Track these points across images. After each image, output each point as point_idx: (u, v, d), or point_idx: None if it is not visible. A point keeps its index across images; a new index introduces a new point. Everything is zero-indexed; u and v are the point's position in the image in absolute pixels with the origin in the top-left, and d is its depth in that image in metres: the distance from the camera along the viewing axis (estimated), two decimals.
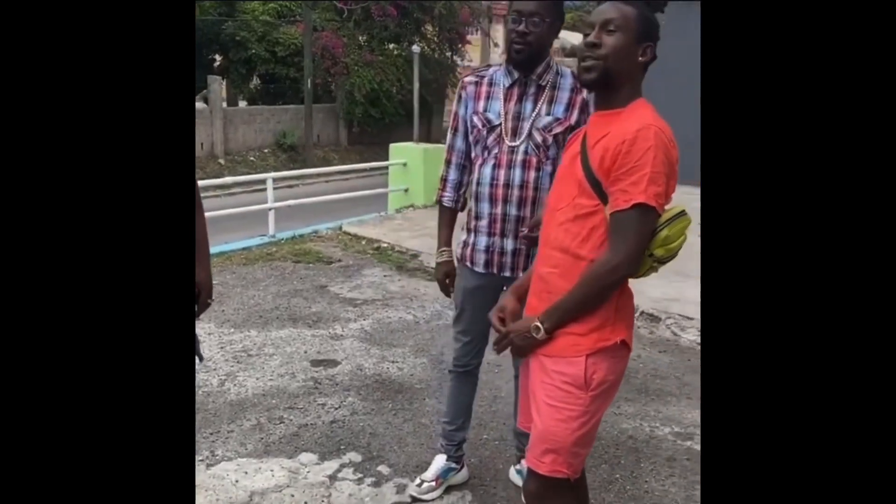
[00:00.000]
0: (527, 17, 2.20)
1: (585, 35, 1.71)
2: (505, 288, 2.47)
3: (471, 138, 2.43)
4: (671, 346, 4.36)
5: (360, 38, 17.67)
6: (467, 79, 2.46)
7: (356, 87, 16.75)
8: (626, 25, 1.66)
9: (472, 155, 2.45)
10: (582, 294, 1.69)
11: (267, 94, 18.54)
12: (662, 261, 1.71)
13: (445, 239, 2.58)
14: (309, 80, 15.94)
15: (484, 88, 2.39)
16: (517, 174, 2.32)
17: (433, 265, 6.40)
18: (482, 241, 2.42)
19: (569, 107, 2.30)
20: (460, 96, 2.45)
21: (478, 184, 2.40)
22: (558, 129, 2.29)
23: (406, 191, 8.39)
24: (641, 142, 1.59)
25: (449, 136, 2.54)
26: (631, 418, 3.35)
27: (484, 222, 2.40)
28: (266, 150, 16.82)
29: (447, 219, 2.59)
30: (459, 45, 18.68)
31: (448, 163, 2.55)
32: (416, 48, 9.50)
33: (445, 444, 2.75)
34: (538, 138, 2.30)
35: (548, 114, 2.30)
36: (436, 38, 18.42)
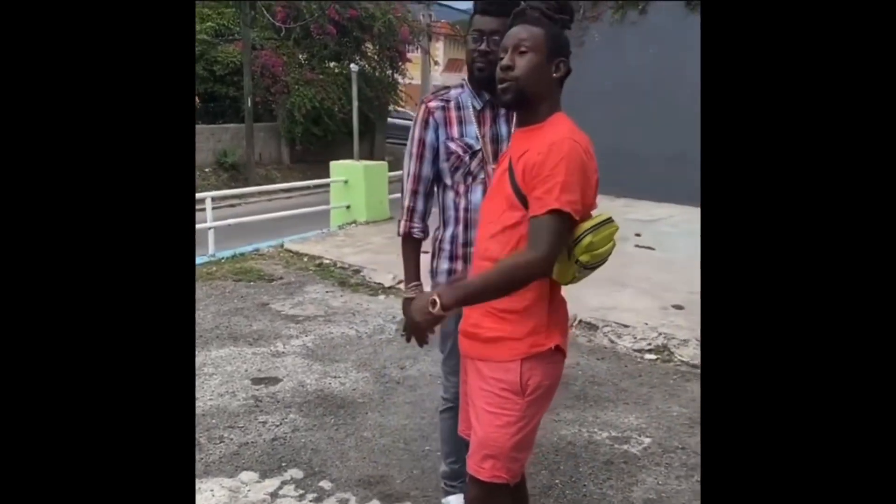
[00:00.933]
0: (488, 36, 2.12)
1: (500, 59, 1.78)
2: None
3: (446, 165, 2.28)
4: (608, 353, 4.47)
5: (301, 56, 17.58)
6: (432, 104, 2.29)
7: (297, 106, 16.65)
8: (536, 45, 1.74)
9: (448, 182, 2.30)
10: (490, 280, 1.69)
11: (206, 113, 18.25)
12: (588, 266, 1.76)
13: (416, 273, 2.38)
14: (249, 99, 15.76)
15: (454, 113, 2.27)
16: None
17: (376, 280, 6.29)
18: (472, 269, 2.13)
19: None
20: (427, 122, 2.28)
21: (465, 210, 2.27)
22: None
23: (348, 207, 8.39)
24: (555, 154, 1.67)
25: (412, 164, 2.32)
26: (570, 424, 3.42)
27: (473, 248, 2.16)
28: (207, 170, 16.53)
29: (415, 252, 2.39)
30: (400, 63, 18.76)
31: (414, 193, 2.34)
32: (354, 66, 9.50)
33: (458, 484, 2.51)
34: None
35: None
36: (376, 56, 18.46)
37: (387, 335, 4.65)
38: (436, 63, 22.35)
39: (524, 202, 1.73)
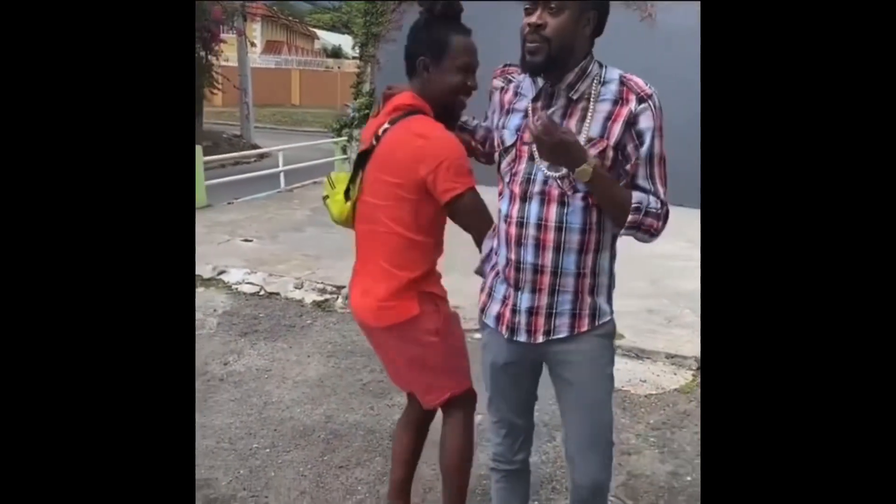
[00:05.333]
0: (543, 3, 1.63)
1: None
2: (546, 362, 1.93)
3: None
4: None
5: None
6: (496, 82, 1.96)
7: None
8: None
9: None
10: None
11: None
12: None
13: None
14: None
15: (508, 97, 1.88)
16: (533, 210, 1.76)
17: None
18: (500, 288, 1.88)
19: (608, 121, 1.72)
20: (490, 99, 1.98)
21: (500, 218, 1.88)
22: (591, 153, 1.70)
23: None
24: None
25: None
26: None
27: (501, 266, 1.87)
28: None
29: None
30: (213, 45, 17.85)
31: None
32: None
33: None
34: None
35: (577, 133, 1.72)
36: None
37: (207, 330, 4.39)
38: (252, 45, 21.51)
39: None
